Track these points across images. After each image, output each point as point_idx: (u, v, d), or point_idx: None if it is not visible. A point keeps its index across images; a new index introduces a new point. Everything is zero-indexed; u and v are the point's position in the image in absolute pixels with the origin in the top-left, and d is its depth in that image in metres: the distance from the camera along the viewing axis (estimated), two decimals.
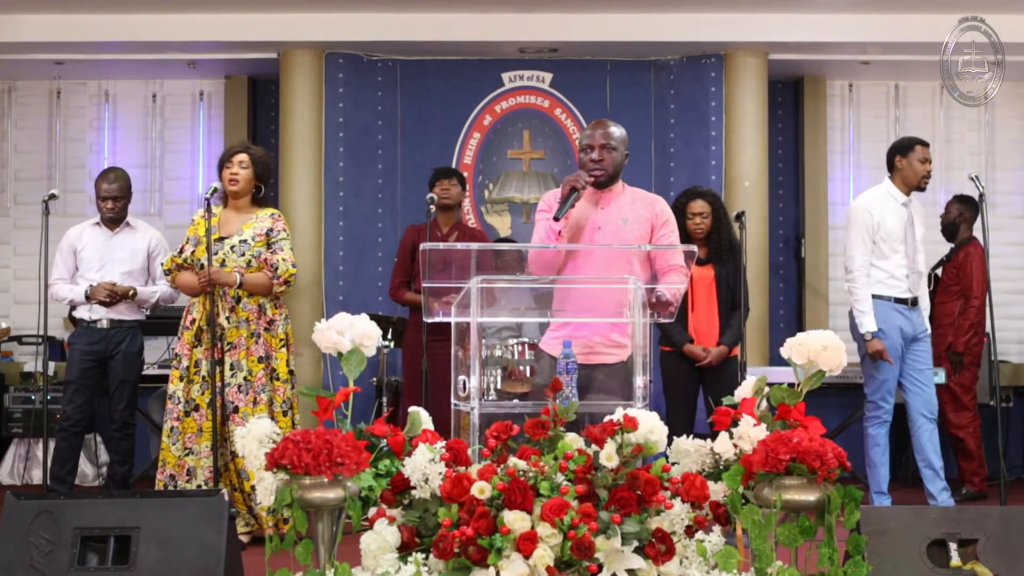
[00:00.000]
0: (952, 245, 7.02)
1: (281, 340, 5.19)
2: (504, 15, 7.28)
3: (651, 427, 3.12)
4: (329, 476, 2.99)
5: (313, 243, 7.33)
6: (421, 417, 3.33)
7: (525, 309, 4.14)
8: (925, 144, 5.80)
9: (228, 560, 3.26)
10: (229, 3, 7.13)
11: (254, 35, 7.30)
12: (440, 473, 3.08)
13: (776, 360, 6.36)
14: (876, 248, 5.68)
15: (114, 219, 5.92)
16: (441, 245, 3.97)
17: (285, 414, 5.16)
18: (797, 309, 8.09)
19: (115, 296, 5.76)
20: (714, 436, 3.29)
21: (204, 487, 4.99)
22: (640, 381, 3.78)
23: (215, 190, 5.15)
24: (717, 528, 3.21)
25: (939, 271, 7.07)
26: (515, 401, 3.92)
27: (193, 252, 5.17)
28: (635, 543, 3.01)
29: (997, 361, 6.78)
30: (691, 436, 3.34)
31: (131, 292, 5.79)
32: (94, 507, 3.36)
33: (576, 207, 4.19)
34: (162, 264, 5.50)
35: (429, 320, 4.06)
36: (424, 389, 5.56)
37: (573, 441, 3.17)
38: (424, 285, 3.89)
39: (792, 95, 8.17)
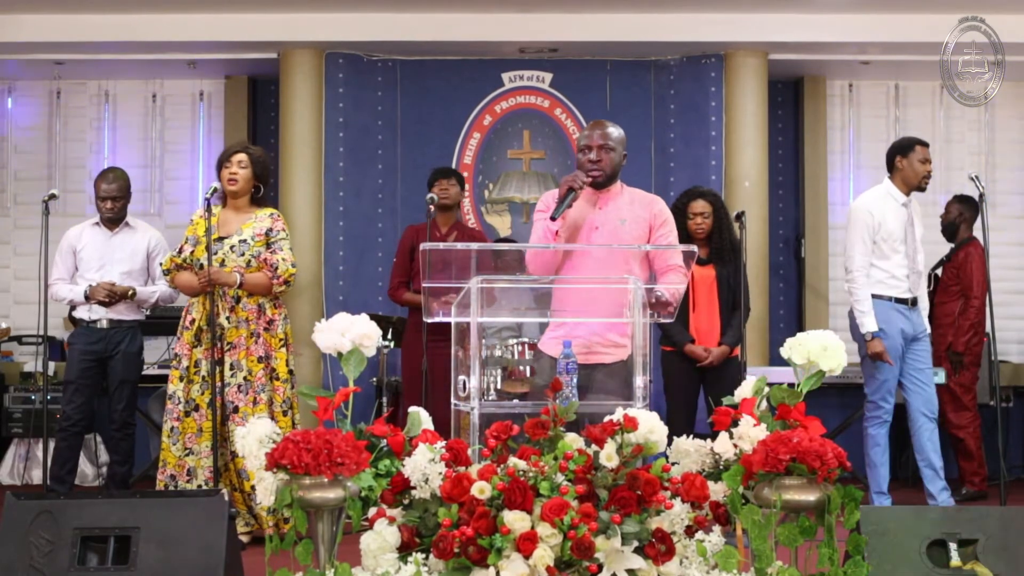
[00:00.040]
0: (952, 245, 7.02)
1: (280, 340, 5.20)
2: (504, 15, 7.28)
3: (651, 427, 3.12)
4: (329, 476, 2.99)
5: (313, 243, 7.33)
6: (421, 417, 3.33)
7: (525, 309, 4.14)
8: (925, 144, 5.80)
9: (228, 560, 3.26)
10: (229, 3, 7.13)
11: (254, 35, 7.30)
12: (440, 473, 3.08)
13: (776, 360, 6.36)
14: (877, 248, 5.67)
15: (113, 219, 5.91)
16: (441, 245, 3.97)
17: (285, 414, 5.16)
18: (797, 309, 8.09)
19: (114, 296, 5.76)
20: (714, 436, 3.29)
21: (204, 487, 4.99)
22: (640, 381, 3.78)
23: (215, 190, 5.15)
24: (717, 528, 3.21)
25: (939, 271, 7.07)
26: (515, 401, 3.92)
27: (192, 252, 5.17)
28: (635, 543, 3.01)
29: (997, 361, 6.78)
30: (691, 436, 3.34)
31: (130, 292, 5.79)
32: (94, 507, 3.36)
33: (574, 207, 4.19)
34: (161, 264, 5.50)
35: (429, 320, 4.06)
36: (424, 389, 5.56)
37: (573, 441, 3.17)
38: (424, 285, 3.89)
39: (792, 95, 8.17)
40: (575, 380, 3.74)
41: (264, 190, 5.36)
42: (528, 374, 4.07)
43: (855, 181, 8.04)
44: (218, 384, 5.04)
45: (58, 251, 5.93)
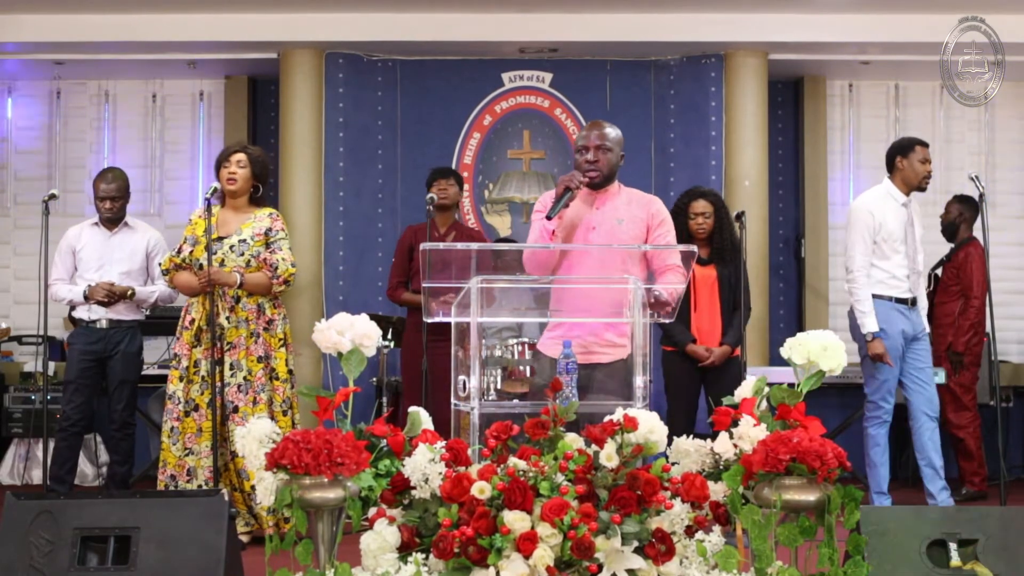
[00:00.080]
0: (952, 245, 7.02)
1: (280, 340, 5.20)
2: (504, 15, 7.28)
3: (651, 427, 3.12)
4: (329, 476, 2.98)
5: (313, 243, 7.33)
6: (421, 417, 3.33)
7: (525, 309, 4.14)
8: (925, 144, 5.80)
9: (228, 560, 3.26)
10: (229, 3, 7.13)
11: (254, 35, 7.30)
12: (440, 473, 3.08)
13: (776, 360, 6.36)
14: (877, 248, 5.67)
15: (112, 219, 5.91)
16: (441, 245, 3.97)
17: (285, 414, 5.16)
18: (797, 309, 8.09)
19: (113, 296, 5.76)
20: (714, 436, 3.29)
21: (204, 487, 4.99)
22: (640, 381, 3.78)
23: (215, 190, 5.15)
24: (717, 528, 3.21)
25: (939, 271, 7.07)
26: (515, 401, 3.92)
27: (191, 252, 5.17)
28: (635, 543, 3.01)
29: (997, 361, 6.78)
30: (691, 436, 3.34)
31: (129, 292, 5.79)
32: (94, 507, 3.36)
33: (571, 207, 4.19)
34: (160, 264, 5.50)
35: (429, 320, 4.06)
36: (424, 389, 5.56)
37: (573, 441, 3.17)
38: (424, 285, 3.89)
39: (792, 95, 8.17)
40: (575, 380, 3.74)
41: (263, 190, 5.36)
42: (528, 374, 4.06)
43: (855, 181, 8.04)
44: (218, 384, 5.04)
45: (57, 251, 5.93)
